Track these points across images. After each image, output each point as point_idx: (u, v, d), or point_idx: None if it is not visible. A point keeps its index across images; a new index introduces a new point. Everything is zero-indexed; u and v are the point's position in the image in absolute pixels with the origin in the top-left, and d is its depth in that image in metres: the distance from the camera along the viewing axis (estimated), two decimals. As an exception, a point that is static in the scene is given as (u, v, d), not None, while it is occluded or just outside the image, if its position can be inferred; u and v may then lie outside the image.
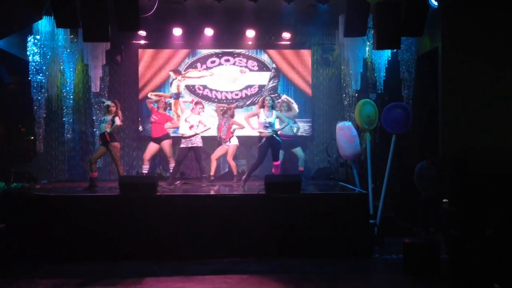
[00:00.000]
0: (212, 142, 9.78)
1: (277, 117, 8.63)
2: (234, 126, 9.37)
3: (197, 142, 8.79)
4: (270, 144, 8.47)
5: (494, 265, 5.17)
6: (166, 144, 9.17)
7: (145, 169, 9.30)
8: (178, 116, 10.23)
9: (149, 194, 7.07)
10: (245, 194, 7.58)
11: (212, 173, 9.35)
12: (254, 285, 5.89)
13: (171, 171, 9.16)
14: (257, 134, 8.62)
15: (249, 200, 7.20)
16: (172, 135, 9.51)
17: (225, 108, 9.66)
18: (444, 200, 5.84)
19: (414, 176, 8.35)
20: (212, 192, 8.08)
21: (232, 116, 9.49)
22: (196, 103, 9.06)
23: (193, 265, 6.65)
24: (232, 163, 9.43)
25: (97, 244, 6.91)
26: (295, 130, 9.88)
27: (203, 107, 9.20)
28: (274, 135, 8.46)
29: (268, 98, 8.66)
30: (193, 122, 8.80)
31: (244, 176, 8.80)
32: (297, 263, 6.72)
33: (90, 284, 5.95)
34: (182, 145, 8.85)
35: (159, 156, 10.52)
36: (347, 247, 7.00)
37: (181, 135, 8.91)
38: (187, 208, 7.02)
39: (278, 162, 8.66)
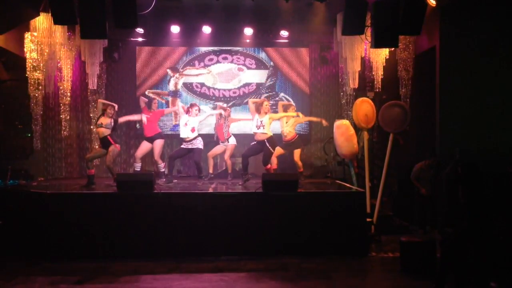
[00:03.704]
0: (208, 141, 9.77)
1: (270, 118, 8.47)
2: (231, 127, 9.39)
3: (198, 144, 8.73)
4: (262, 149, 8.38)
5: (491, 263, 5.18)
6: (158, 143, 9.14)
7: (137, 167, 9.29)
8: (176, 114, 10.23)
9: (146, 191, 7.06)
10: (242, 192, 7.58)
11: (211, 170, 9.36)
12: (251, 283, 5.90)
13: (162, 170, 9.14)
14: (252, 133, 8.60)
15: (246, 198, 7.20)
16: (169, 132, 9.47)
17: (223, 108, 9.70)
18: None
19: (411, 176, 8.35)
20: (209, 190, 8.07)
21: (229, 115, 9.51)
22: (192, 106, 8.90)
23: (190, 263, 6.65)
24: (229, 162, 9.43)
25: (94, 241, 6.90)
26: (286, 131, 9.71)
27: (199, 109, 9.07)
28: (266, 140, 8.36)
29: (266, 103, 8.44)
30: (193, 125, 8.73)
31: (242, 182, 8.65)
32: (294, 261, 6.72)
33: (87, 282, 5.94)
34: (182, 146, 8.81)
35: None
36: (344, 245, 7.01)
37: (182, 139, 8.83)
38: (184, 206, 7.02)
39: (269, 166, 8.55)
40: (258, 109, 8.41)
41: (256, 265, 6.56)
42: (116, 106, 8.64)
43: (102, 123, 8.32)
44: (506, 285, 5.25)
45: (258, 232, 6.99)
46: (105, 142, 8.34)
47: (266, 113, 8.36)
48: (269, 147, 8.32)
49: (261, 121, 8.31)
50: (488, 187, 5.19)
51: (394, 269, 6.35)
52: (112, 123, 8.38)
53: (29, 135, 10.01)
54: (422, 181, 8.26)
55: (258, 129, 8.32)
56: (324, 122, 9.53)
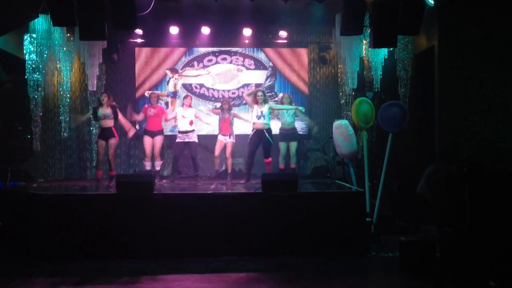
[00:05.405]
0: (208, 141, 9.80)
1: (271, 108, 8.61)
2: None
3: (194, 137, 8.81)
4: (261, 139, 8.47)
5: (490, 262, 5.19)
6: (159, 140, 9.17)
7: (148, 166, 9.29)
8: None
9: (146, 192, 7.06)
10: (242, 193, 7.59)
11: (216, 168, 9.46)
12: (250, 284, 5.90)
13: (157, 168, 9.17)
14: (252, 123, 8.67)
15: (245, 198, 7.19)
16: (169, 133, 9.42)
17: (227, 102, 9.75)
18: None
19: (422, 179, 8.16)
20: (208, 191, 8.08)
21: (231, 109, 9.55)
22: (184, 97, 9.15)
23: (190, 263, 6.65)
24: (230, 162, 9.45)
25: (94, 242, 6.89)
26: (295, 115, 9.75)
27: (191, 97, 9.31)
28: (265, 130, 8.43)
29: (259, 93, 8.67)
30: (191, 117, 8.81)
31: (243, 181, 8.69)
32: (294, 261, 6.73)
33: (87, 283, 5.95)
34: (178, 140, 8.84)
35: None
36: (343, 245, 7.00)
37: (178, 131, 8.91)
38: (184, 207, 7.01)
39: (270, 159, 8.63)
40: (255, 100, 8.55)
41: (256, 265, 6.56)
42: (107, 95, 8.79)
43: (104, 114, 8.39)
44: (506, 285, 5.25)
45: (258, 232, 6.98)
46: (107, 133, 8.40)
47: (265, 102, 8.47)
48: (268, 137, 8.43)
49: (262, 111, 8.43)
50: (488, 186, 5.19)
51: (394, 269, 6.36)
52: (112, 111, 8.46)
53: (28, 136, 10.03)
54: (431, 184, 8.03)
55: (258, 119, 8.44)
56: (299, 109, 9.57)
